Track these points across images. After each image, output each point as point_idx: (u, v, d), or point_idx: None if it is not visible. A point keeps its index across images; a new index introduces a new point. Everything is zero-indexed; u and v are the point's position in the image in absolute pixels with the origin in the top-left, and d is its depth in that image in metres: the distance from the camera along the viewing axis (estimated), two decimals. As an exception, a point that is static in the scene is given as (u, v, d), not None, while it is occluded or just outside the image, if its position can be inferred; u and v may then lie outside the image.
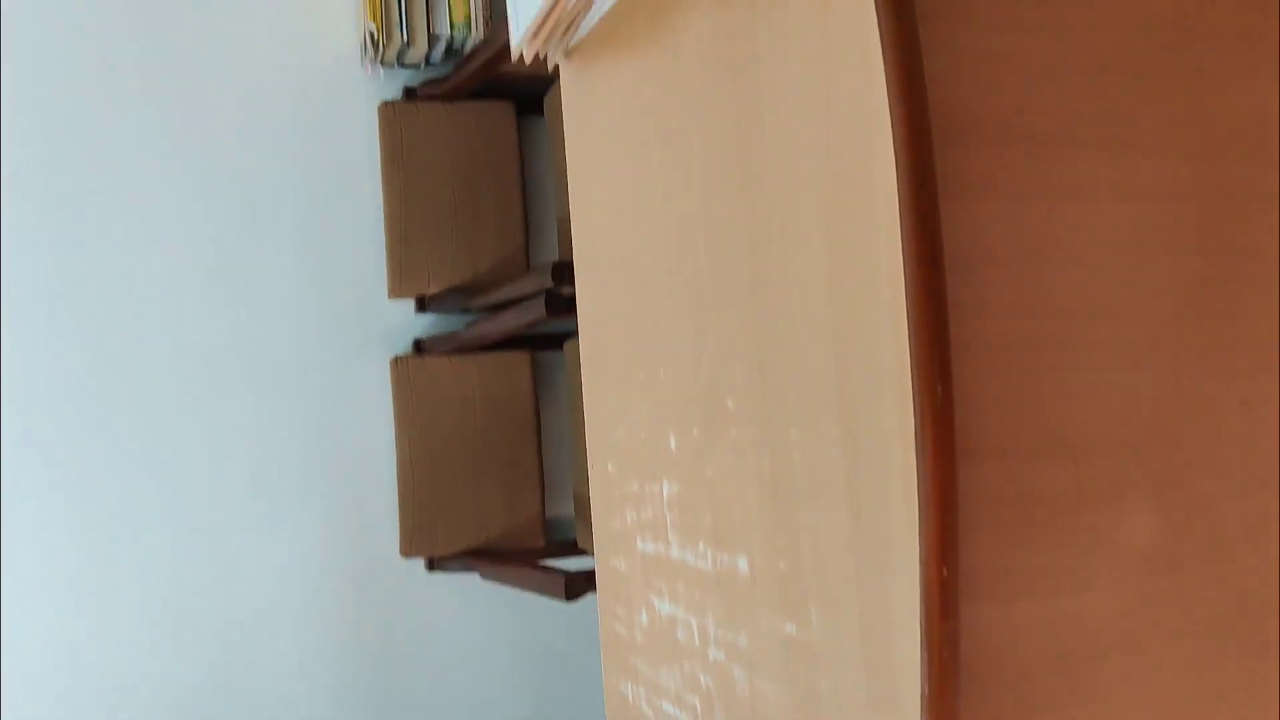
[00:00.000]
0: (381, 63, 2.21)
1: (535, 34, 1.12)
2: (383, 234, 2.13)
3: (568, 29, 1.13)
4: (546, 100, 2.14)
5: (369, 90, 2.23)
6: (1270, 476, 0.84)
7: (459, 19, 2.14)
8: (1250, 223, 0.89)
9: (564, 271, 1.70)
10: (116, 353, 2.06)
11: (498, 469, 2.02)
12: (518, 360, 2.06)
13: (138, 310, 2.07)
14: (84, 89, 2.08)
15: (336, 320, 2.14)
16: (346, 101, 2.22)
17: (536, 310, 1.76)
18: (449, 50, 2.21)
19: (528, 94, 2.18)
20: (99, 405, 2.05)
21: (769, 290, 0.84)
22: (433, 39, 2.14)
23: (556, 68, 1.26)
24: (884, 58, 0.73)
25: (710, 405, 0.92)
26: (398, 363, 2.08)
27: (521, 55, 1.16)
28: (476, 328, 2.03)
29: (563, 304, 1.71)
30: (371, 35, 2.10)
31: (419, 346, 2.15)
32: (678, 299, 1.00)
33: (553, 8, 1.04)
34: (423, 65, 2.26)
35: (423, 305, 2.16)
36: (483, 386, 2.03)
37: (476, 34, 2.14)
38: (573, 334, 1.40)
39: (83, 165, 2.06)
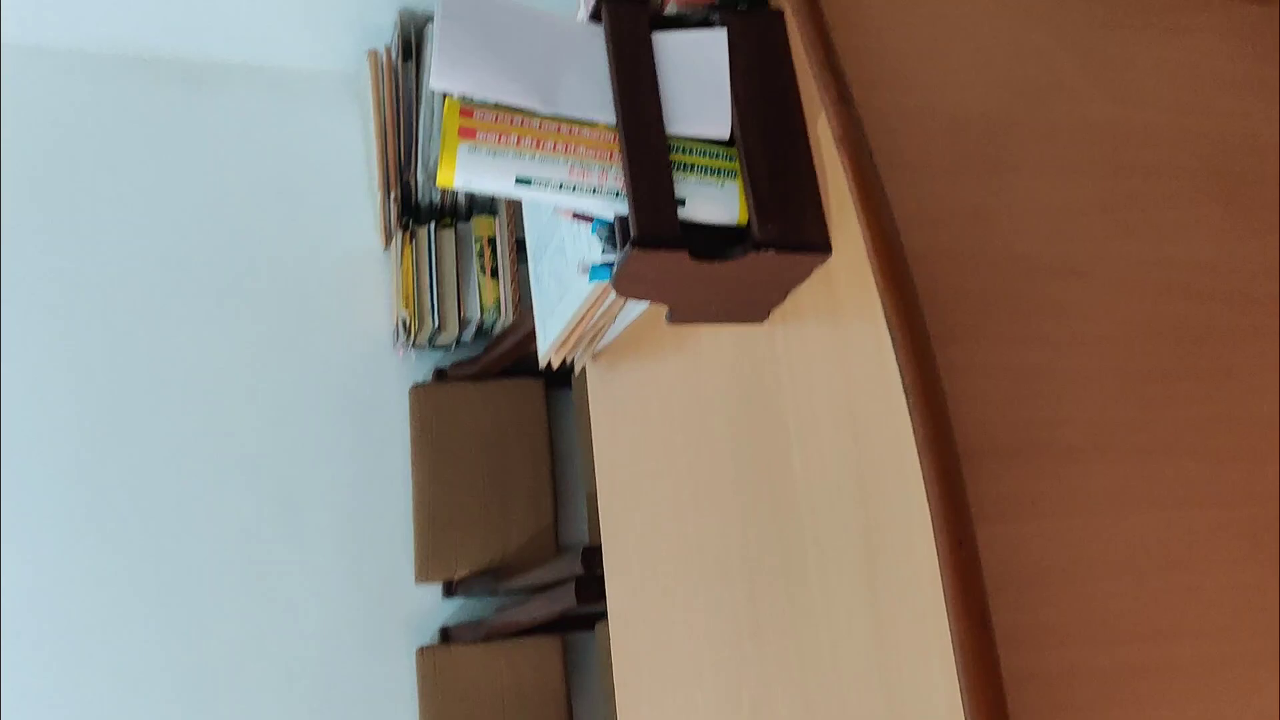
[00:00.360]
0: (413, 346, 2.27)
1: (562, 344, 1.14)
2: (411, 517, 2.12)
3: (593, 340, 1.16)
4: (574, 375, 2.19)
5: (401, 373, 2.29)
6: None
7: (489, 302, 2.22)
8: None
9: (594, 555, 1.67)
10: (133, 633, 2.01)
11: (529, 766, 1.91)
12: (548, 646, 1.99)
13: (157, 592, 2.03)
14: (121, 369, 2.14)
15: (361, 608, 2.10)
16: (378, 385, 2.27)
17: (567, 598, 1.72)
18: (479, 330, 2.28)
19: (555, 370, 2.23)
20: (116, 684, 1.98)
21: (809, 624, 0.81)
22: (463, 322, 2.21)
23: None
24: (904, 385, 0.73)
25: (753, 744, 0.86)
26: (424, 653, 2.01)
27: (549, 362, 1.19)
28: (505, 614, 1.98)
29: (594, 591, 1.67)
30: (404, 322, 2.17)
31: (446, 634, 2.09)
32: (712, 618, 0.96)
33: (578, 324, 1.07)
34: (454, 346, 2.33)
35: (450, 590, 2.11)
36: (513, 676, 1.95)
37: (505, 317, 2.22)
38: (604, 615, 1.36)
39: (113, 441, 2.09)
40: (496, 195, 0.69)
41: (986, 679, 0.69)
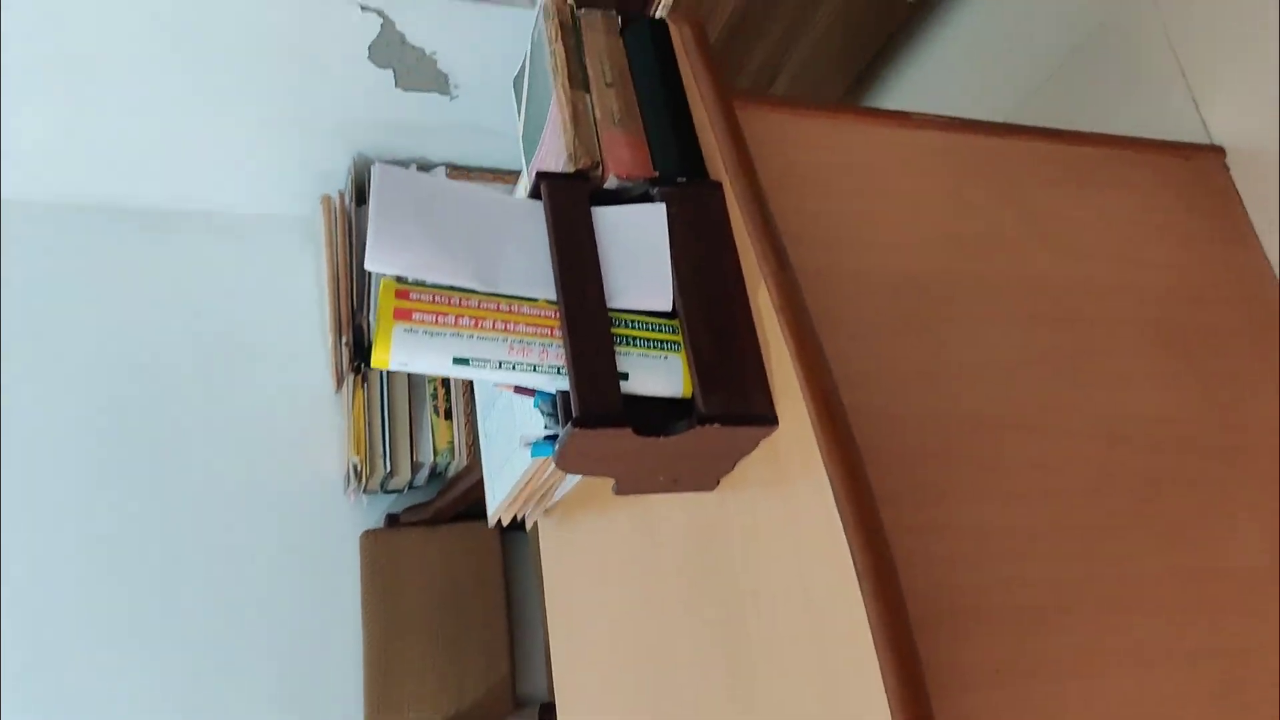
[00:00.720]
0: (365, 491, 2.22)
1: (511, 504, 1.12)
2: (361, 669, 2.03)
3: (542, 498, 1.13)
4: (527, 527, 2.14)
5: (352, 518, 2.23)
6: None
7: (442, 445, 2.18)
8: (1253, 680, 0.84)
9: (552, 713, 1.61)
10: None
11: None
12: (506, 806, 1.89)
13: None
14: (72, 507, 2.06)
15: (308, 769, 1.99)
16: (328, 531, 2.21)
17: (524, 756, 1.64)
18: (433, 473, 2.24)
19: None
20: None
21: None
22: (416, 466, 2.17)
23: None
24: (854, 564, 0.71)
25: None
26: (374, 819, 1.90)
27: (499, 519, 1.16)
28: (460, 771, 1.89)
29: (551, 750, 1.60)
30: (355, 467, 2.13)
31: (398, 796, 1.99)
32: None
33: (526, 485, 1.04)
34: (406, 489, 2.28)
35: (403, 748, 2.02)
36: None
37: (460, 459, 2.18)
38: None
39: (54, 582, 2.00)
40: (434, 375, 0.67)
41: None
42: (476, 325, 0.64)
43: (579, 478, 1.09)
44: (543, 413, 0.70)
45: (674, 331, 0.70)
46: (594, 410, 0.64)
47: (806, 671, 0.74)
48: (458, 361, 0.63)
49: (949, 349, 0.90)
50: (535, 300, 0.68)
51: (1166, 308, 1.01)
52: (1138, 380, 0.96)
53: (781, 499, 0.78)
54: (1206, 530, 0.91)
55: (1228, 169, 1.14)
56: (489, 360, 0.64)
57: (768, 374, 0.73)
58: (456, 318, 0.64)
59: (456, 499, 2.12)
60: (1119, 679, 0.80)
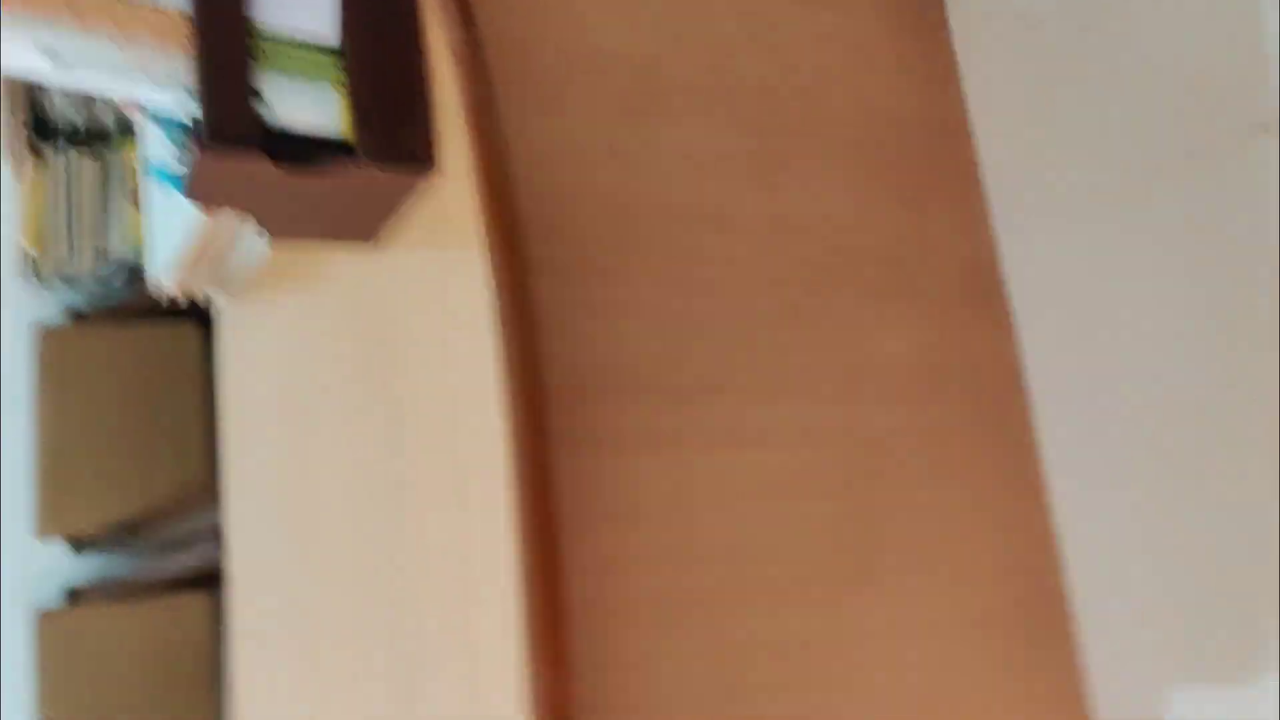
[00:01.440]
0: (41, 279, 2.01)
1: (177, 269, 1.02)
2: (32, 463, 1.88)
3: (215, 264, 1.04)
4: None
5: (29, 311, 2.03)
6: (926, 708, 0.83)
7: (133, 235, 2.00)
8: (886, 457, 0.91)
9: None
10: None
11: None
12: (194, 604, 1.84)
13: None
14: None
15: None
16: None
17: (213, 549, 1.59)
18: (132, 276, 2.05)
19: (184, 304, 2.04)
20: None
21: (404, 549, 0.77)
22: (100, 253, 1.98)
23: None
24: (493, 316, 0.69)
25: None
26: (45, 619, 1.80)
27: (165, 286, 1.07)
28: (145, 569, 1.81)
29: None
30: (29, 255, 1.92)
31: (73, 596, 1.89)
32: (332, 562, 0.90)
33: (194, 244, 0.95)
34: (99, 286, 2.09)
35: (80, 546, 1.90)
36: (151, 639, 1.79)
37: (156, 252, 2.01)
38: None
39: None
40: (26, 75, 0.58)
41: (548, 606, 0.68)
42: (82, 22, 0.56)
43: (256, 250, 1.02)
44: (176, 145, 0.63)
45: (338, 70, 0.64)
46: (224, 133, 0.58)
47: (449, 437, 0.73)
48: (48, 53, 0.54)
49: (647, 137, 0.89)
50: (163, 8, 0.60)
51: (866, 127, 1.03)
52: (828, 190, 0.98)
53: (439, 264, 0.75)
54: (861, 329, 0.95)
55: (943, 5, 1.16)
56: (88, 59, 0.56)
57: (434, 122, 0.68)
58: (55, 11, 0.55)
59: (152, 295, 1.96)
60: (760, 454, 0.84)
